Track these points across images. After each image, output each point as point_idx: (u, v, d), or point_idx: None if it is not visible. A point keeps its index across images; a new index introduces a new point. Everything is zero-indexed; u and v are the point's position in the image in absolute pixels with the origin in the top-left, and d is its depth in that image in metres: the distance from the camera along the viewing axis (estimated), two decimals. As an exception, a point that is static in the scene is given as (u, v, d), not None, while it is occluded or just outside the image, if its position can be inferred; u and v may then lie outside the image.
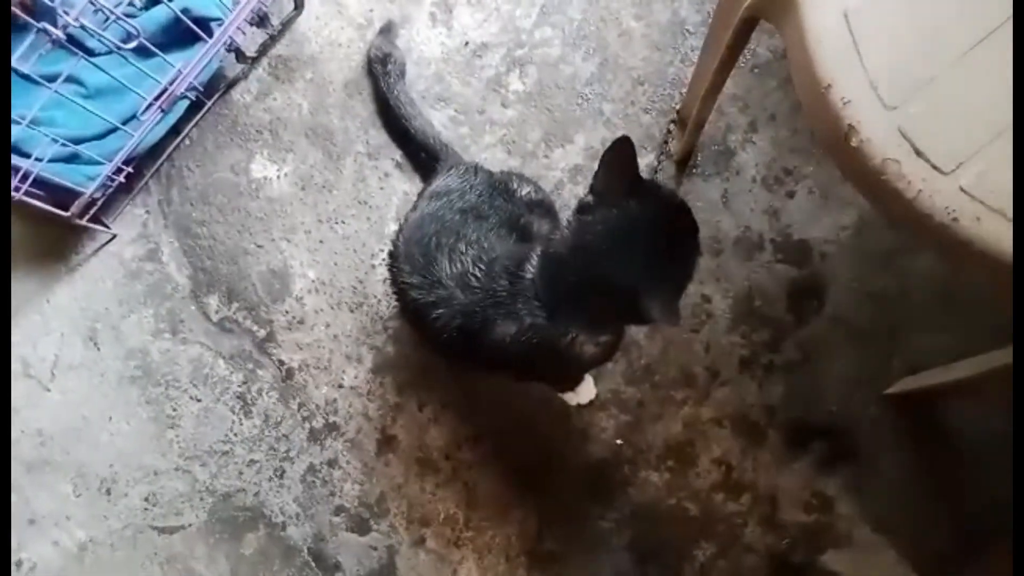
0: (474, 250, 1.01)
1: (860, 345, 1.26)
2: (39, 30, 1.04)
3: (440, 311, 1.00)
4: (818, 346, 1.27)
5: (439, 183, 1.17)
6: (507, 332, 0.94)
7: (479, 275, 0.98)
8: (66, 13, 1.07)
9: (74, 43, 1.15)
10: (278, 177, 1.44)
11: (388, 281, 1.15)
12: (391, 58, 1.40)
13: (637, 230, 0.87)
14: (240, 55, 1.44)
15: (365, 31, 1.45)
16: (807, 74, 0.71)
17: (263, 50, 1.46)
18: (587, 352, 0.94)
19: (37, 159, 1.25)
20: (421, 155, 1.37)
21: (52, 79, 1.17)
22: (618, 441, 1.30)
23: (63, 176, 1.29)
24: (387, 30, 1.43)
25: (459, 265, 1.00)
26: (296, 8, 1.46)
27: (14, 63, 1.08)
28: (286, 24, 1.46)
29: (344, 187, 1.42)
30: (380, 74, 1.40)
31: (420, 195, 1.19)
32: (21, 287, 1.46)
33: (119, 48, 1.20)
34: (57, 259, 1.46)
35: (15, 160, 1.25)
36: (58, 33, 1.06)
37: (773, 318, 1.29)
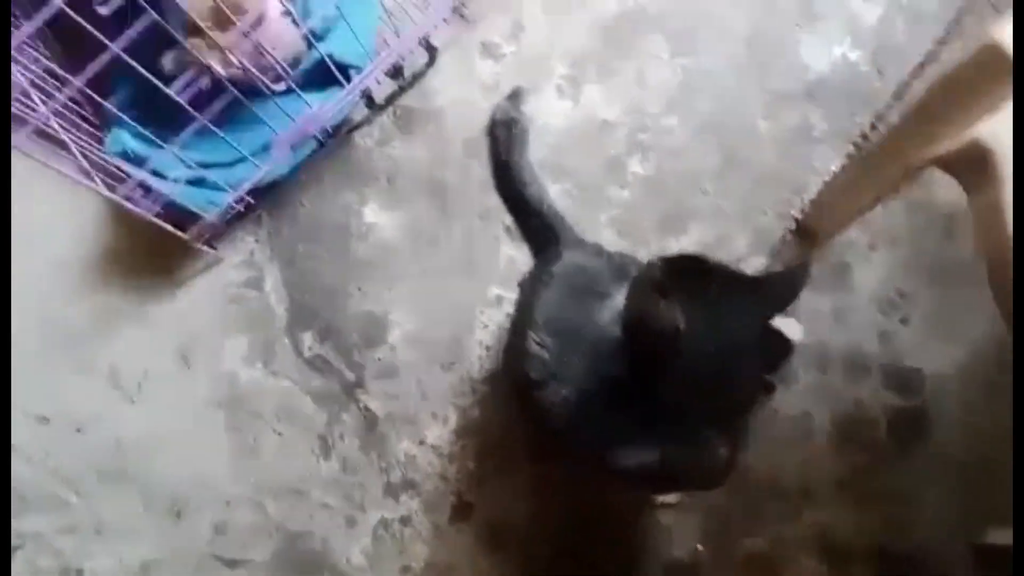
0: (608, 338, 1.00)
1: (962, 484, 1.23)
2: (206, 69, 1.07)
3: (566, 399, 0.99)
4: (918, 479, 1.25)
5: (568, 261, 1.17)
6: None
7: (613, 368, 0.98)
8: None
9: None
10: (388, 225, 1.46)
11: (504, 354, 1.15)
12: (516, 123, 1.41)
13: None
14: (370, 101, 1.47)
15: (491, 93, 1.47)
16: (997, 244, 0.70)
17: (391, 99, 1.49)
18: (722, 456, 0.93)
19: (174, 180, 1.28)
20: (533, 224, 1.37)
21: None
22: (699, 546, 1.28)
23: (189, 199, 1.32)
24: (515, 96, 1.44)
25: (592, 357, 1.00)
26: (429, 63, 1.48)
27: (175, 91, 1.11)
28: (417, 76, 1.49)
29: (452, 244, 1.44)
30: (502, 138, 1.41)
31: (545, 271, 1.18)
32: (122, 296, 1.48)
33: (270, 88, 1.23)
34: (162, 273, 1.48)
35: (153, 181, 1.28)
36: (221, 73, 1.08)
37: (874, 444, 1.26)
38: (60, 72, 1.12)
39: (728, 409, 0.94)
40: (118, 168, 1.29)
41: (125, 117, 1.27)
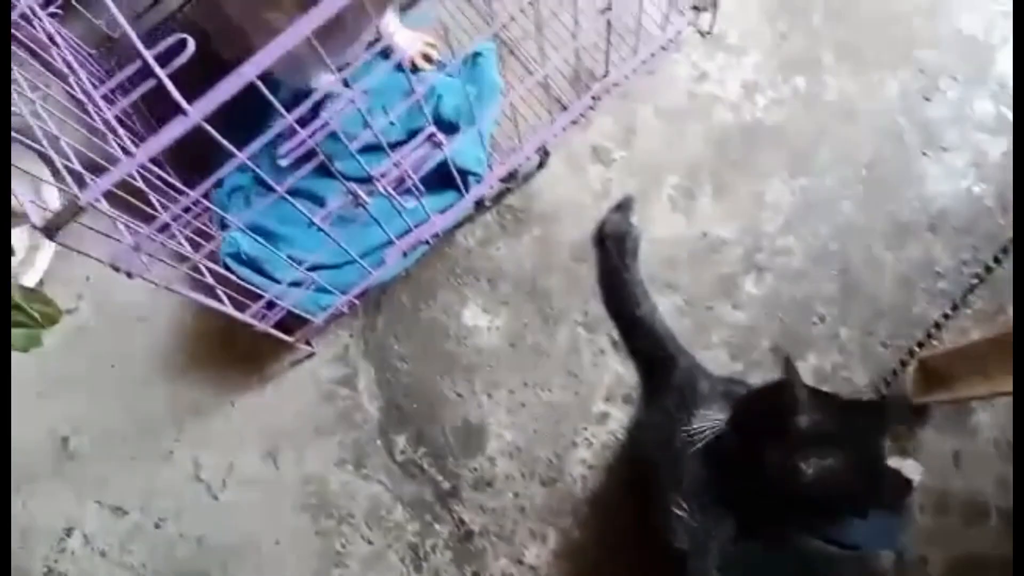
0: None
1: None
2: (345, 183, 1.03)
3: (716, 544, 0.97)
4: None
5: (682, 382, 1.15)
6: None
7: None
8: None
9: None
10: (489, 329, 1.42)
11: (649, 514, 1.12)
12: (627, 237, 1.39)
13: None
14: (479, 202, 1.43)
15: (600, 200, 1.45)
16: None
17: (498, 198, 1.46)
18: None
19: (285, 282, 1.24)
20: (643, 344, 1.35)
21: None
22: None
23: (301, 304, 1.28)
24: (625, 206, 1.42)
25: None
26: (540, 165, 1.45)
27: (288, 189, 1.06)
28: (526, 178, 1.46)
29: (556, 354, 1.40)
30: (613, 250, 1.39)
31: (689, 402, 1.15)
32: (210, 387, 1.44)
33: (391, 195, 1.19)
34: (251, 365, 1.44)
35: (262, 283, 1.24)
36: (364, 199, 1.05)
37: (995, 595, 1.23)
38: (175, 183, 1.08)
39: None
40: (229, 272, 1.25)
41: (237, 223, 1.23)
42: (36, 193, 1.41)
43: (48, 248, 1.46)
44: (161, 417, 1.44)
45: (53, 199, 1.41)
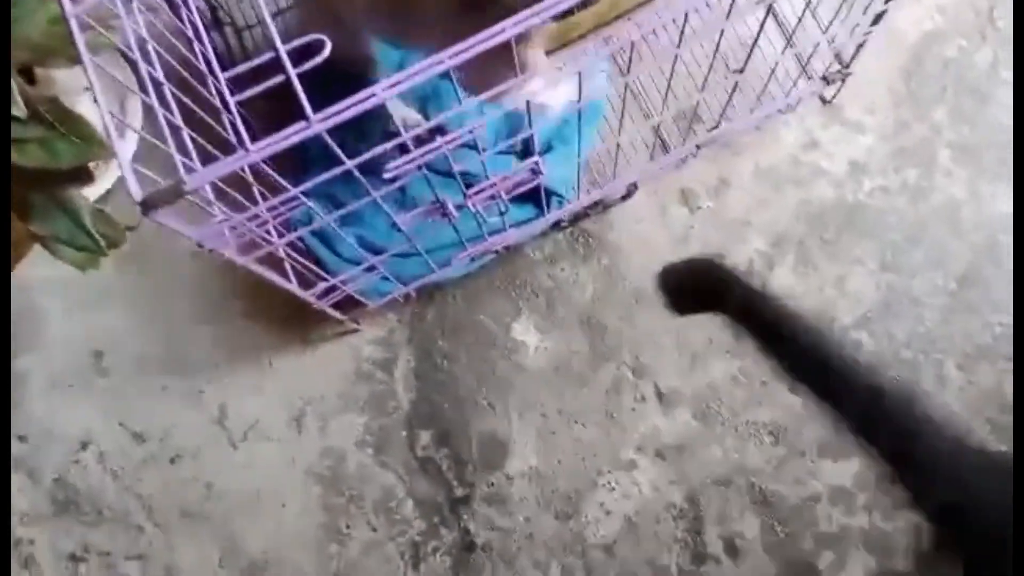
0: None
1: None
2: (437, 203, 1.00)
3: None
4: None
5: None
6: None
7: None
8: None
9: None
10: (536, 348, 1.40)
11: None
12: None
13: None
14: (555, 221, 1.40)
15: (677, 245, 1.41)
16: None
17: (574, 220, 1.42)
18: None
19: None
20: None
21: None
22: None
23: (359, 287, 1.26)
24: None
25: None
26: (625, 196, 1.41)
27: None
28: (607, 206, 1.42)
29: (597, 389, 1.38)
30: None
31: None
32: (250, 339, 1.44)
33: (484, 220, 1.17)
34: (295, 326, 1.43)
35: (327, 256, 1.23)
36: (453, 213, 1.02)
37: None
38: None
39: None
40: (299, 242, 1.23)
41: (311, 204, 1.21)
42: (120, 106, 1.40)
43: (116, 163, 1.45)
44: (197, 356, 1.44)
45: (136, 116, 1.39)
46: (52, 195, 1.08)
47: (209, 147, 0.84)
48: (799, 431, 1.33)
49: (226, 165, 0.67)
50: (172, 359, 1.44)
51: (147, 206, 0.67)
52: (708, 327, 1.36)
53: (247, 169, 0.77)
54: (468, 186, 1.03)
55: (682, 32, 0.86)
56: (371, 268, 1.28)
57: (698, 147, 1.31)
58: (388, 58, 1.24)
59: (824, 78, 1.29)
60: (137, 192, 0.67)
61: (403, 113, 1.30)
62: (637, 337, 1.39)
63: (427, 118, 1.26)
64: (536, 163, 1.01)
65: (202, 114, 0.90)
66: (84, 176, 1.09)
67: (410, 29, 0.87)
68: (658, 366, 1.38)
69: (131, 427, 1.43)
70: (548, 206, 1.29)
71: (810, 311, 1.33)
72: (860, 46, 1.21)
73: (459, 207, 1.04)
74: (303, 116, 0.67)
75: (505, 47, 0.70)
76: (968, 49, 1.38)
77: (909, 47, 1.39)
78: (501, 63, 0.70)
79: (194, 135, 0.77)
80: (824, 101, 1.41)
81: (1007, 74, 1.37)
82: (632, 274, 1.41)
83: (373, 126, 1.22)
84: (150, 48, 0.75)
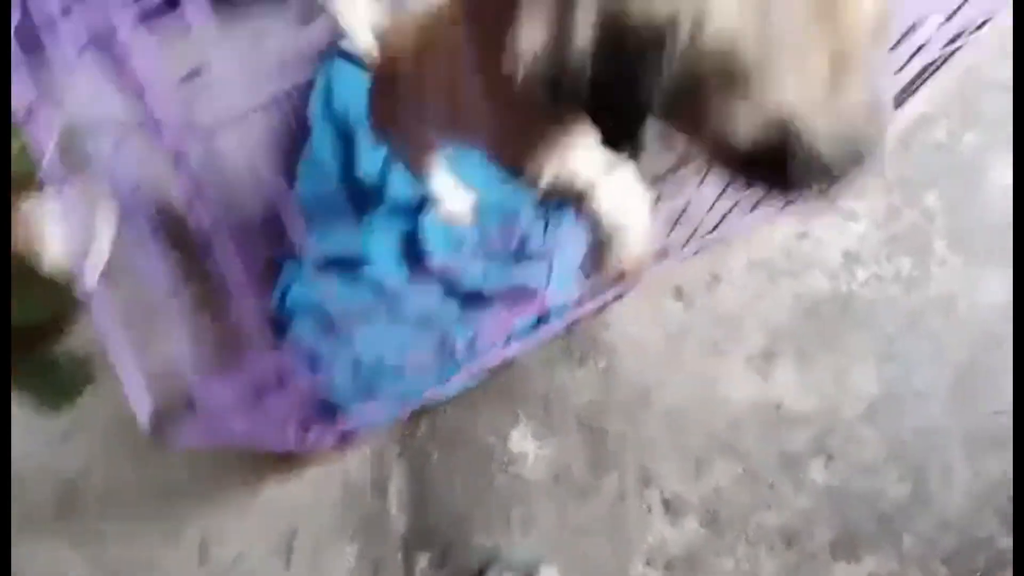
0: None
1: None
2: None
3: None
4: None
5: None
6: None
7: None
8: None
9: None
10: (535, 457, 1.35)
11: None
12: None
13: None
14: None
15: (675, 342, 1.38)
16: None
17: (569, 322, 1.37)
18: None
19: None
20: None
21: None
22: None
23: (351, 408, 1.19)
24: None
25: None
26: (619, 296, 1.37)
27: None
28: (601, 307, 1.37)
29: (601, 500, 1.33)
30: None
31: None
32: (233, 463, 1.36)
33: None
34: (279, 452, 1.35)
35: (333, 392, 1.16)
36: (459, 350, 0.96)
37: None
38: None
39: None
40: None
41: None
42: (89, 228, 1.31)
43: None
44: (176, 484, 1.35)
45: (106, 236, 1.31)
46: (26, 350, 1.01)
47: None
48: (810, 532, 1.29)
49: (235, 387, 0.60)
50: (150, 489, 1.36)
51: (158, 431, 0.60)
52: (710, 424, 1.32)
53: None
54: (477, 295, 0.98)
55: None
56: (372, 396, 1.22)
57: (696, 252, 1.27)
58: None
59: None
60: (146, 427, 0.61)
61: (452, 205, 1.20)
62: (639, 441, 1.34)
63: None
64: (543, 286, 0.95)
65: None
66: (57, 330, 1.02)
67: (463, 129, 0.83)
68: (662, 472, 1.33)
69: (103, 566, 1.33)
70: (549, 316, 1.24)
71: (813, 409, 1.31)
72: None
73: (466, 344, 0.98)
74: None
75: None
76: (957, 132, 1.38)
77: (897, 132, 1.37)
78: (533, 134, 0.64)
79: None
80: (814, 190, 1.38)
81: (995, 157, 1.36)
82: (631, 375, 1.37)
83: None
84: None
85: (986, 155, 1.36)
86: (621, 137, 0.51)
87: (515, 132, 0.63)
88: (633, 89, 0.47)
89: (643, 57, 0.46)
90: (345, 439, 1.21)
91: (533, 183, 0.65)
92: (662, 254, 1.28)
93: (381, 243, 1.31)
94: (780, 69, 0.44)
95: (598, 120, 0.51)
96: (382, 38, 0.92)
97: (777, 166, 0.48)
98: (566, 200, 0.67)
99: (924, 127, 1.39)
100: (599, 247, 0.72)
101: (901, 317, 1.35)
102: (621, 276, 0.76)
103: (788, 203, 0.52)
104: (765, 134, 0.46)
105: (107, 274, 1.13)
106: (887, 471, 1.30)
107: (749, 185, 0.52)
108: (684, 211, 1.12)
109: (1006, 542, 1.26)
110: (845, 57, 0.45)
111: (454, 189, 1.12)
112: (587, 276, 0.88)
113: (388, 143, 1.06)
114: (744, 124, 0.46)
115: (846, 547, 1.28)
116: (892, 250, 1.37)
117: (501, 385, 1.37)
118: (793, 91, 0.45)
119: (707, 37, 0.44)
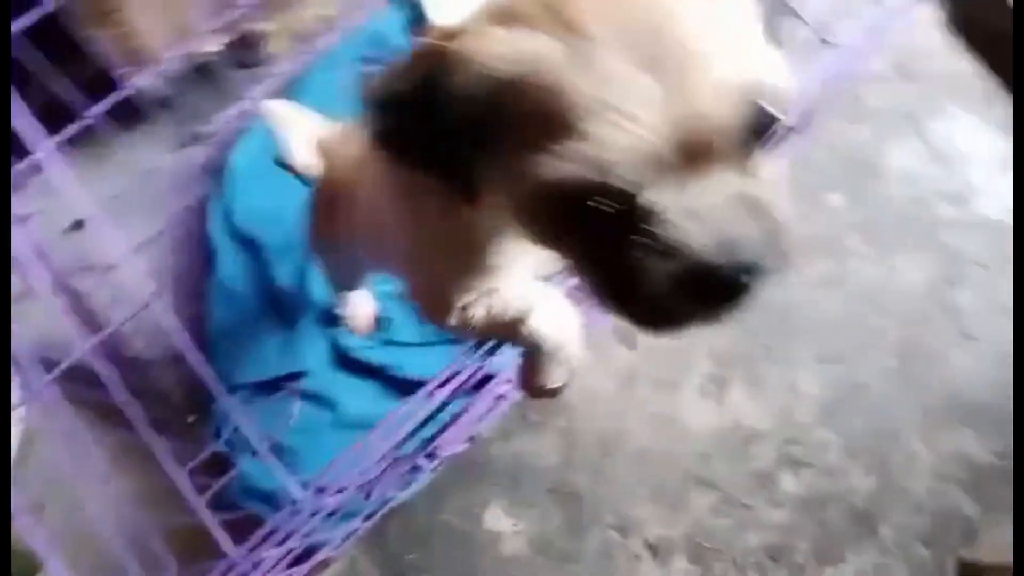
0: None
1: None
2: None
3: None
4: None
5: None
6: None
7: None
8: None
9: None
10: (513, 534, 1.31)
11: None
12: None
13: None
14: (499, 395, 1.32)
15: (627, 387, 1.37)
16: None
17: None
18: None
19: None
20: None
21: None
22: None
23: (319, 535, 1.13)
24: None
25: None
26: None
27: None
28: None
29: (586, 561, 1.30)
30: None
31: None
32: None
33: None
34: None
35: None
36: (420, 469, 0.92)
37: None
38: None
39: None
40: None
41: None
42: None
43: None
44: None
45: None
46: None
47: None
48: (793, 545, 1.31)
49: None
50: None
51: None
52: (677, 459, 1.32)
53: None
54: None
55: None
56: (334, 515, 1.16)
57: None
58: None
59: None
60: None
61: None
62: (612, 492, 1.32)
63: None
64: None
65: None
66: None
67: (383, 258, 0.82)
68: (641, 517, 1.32)
69: None
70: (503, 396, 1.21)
71: (771, 423, 1.32)
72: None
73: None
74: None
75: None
76: (846, 131, 1.42)
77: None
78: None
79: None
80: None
81: (887, 146, 1.42)
82: (592, 428, 1.35)
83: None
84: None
85: (880, 146, 1.41)
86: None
87: (438, 289, 0.62)
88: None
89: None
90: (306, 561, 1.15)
91: (465, 330, 0.64)
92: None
93: (313, 352, 1.25)
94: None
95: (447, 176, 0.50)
96: (325, 156, 0.89)
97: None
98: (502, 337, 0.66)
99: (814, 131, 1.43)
100: (534, 365, 0.71)
101: (832, 316, 1.38)
102: (553, 392, 0.75)
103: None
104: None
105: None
106: (852, 468, 1.33)
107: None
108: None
109: (972, 508, 1.31)
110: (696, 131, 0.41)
111: (362, 300, 1.09)
112: (520, 391, 0.87)
113: (322, 258, 1.02)
114: None
115: (829, 552, 1.30)
116: (809, 255, 1.40)
117: (464, 467, 1.33)
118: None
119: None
